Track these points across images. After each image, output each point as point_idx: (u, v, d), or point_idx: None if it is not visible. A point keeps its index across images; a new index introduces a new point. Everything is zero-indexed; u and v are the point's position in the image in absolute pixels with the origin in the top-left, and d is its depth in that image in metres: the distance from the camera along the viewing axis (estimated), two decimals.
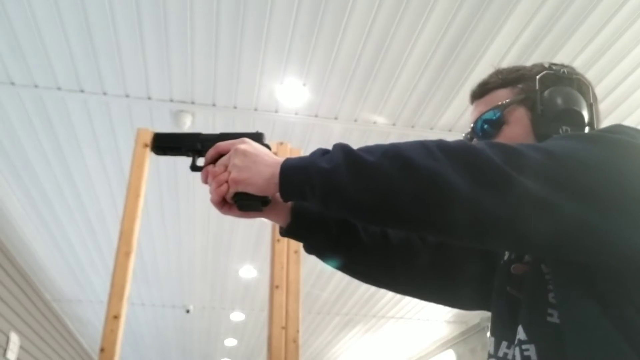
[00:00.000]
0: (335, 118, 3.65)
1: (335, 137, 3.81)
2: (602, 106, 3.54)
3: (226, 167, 0.97)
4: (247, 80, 3.32)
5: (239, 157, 0.96)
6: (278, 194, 0.94)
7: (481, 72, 3.23)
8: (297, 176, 0.90)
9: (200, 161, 1.08)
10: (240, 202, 0.99)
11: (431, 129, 3.76)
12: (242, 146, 0.97)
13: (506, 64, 3.35)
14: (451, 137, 3.77)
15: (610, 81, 3.31)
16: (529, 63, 3.39)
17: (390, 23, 2.95)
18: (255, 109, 3.54)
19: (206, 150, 1.04)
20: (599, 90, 3.43)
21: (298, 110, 3.57)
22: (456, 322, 7.21)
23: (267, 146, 1.02)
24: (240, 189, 0.95)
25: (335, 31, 2.99)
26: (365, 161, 0.84)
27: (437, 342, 7.96)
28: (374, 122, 3.71)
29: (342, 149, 0.87)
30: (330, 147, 0.90)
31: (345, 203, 0.86)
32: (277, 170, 0.92)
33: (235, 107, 3.52)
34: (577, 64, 3.18)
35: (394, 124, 3.73)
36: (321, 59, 3.18)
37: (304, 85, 3.37)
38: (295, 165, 0.91)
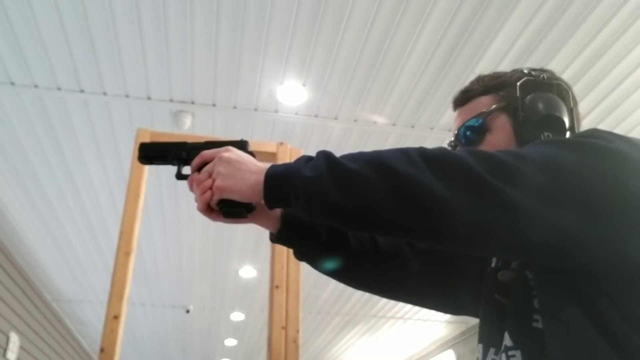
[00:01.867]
0: (335, 118, 3.66)
1: (335, 137, 3.81)
2: (600, 108, 3.57)
3: (210, 174, 0.99)
4: (247, 80, 3.32)
5: (223, 165, 0.97)
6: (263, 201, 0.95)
7: (481, 72, 3.24)
8: (281, 183, 0.91)
9: (186, 170, 1.09)
10: (225, 209, 1.01)
11: (431, 128, 3.77)
12: (226, 154, 0.99)
13: (505, 64, 3.37)
14: (450, 136, 3.77)
15: (609, 83, 3.31)
16: (528, 64, 3.40)
17: (390, 23, 2.95)
18: (255, 109, 3.54)
19: (192, 159, 1.06)
20: (597, 91, 3.47)
21: (298, 110, 3.57)
22: (456, 322, 7.21)
23: (252, 154, 1.03)
24: (225, 196, 0.97)
25: (335, 31, 2.99)
26: (348, 169, 0.85)
27: (437, 342, 7.96)
28: (374, 122, 3.71)
29: (325, 157, 0.89)
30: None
31: (328, 210, 0.87)
32: (262, 177, 0.93)
33: (235, 107, 3.52)
34: (576, 66, 3.18)
35: (394, 124, 3.73)
36: (321, 59, 3.18)
37: (304, 85, 3.37)
38: (279, 172, 0.92)
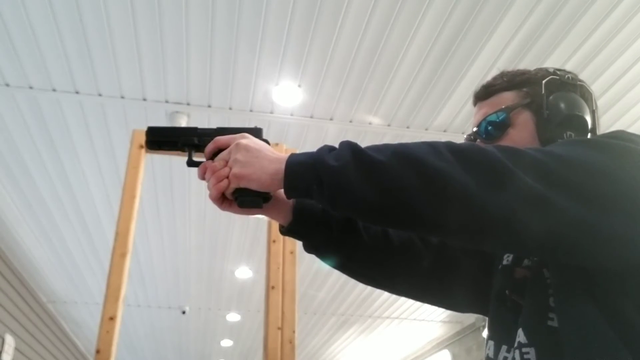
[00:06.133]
0: (331, 119, 3.66)
1: (331, 138, 3.81)
2: (598, 105, 3.58)
3: (226, 162, 0.94)
4: (243, 81, 3.32)
5: (241, 152, 0.92)
6: (279, 191, 0.92)
7: (476, 73, 3.26)
8: (304, 173, 0.87)
9: (197, 156, 1.04)
10: (241, 199, 0.95)
11: (426, 129, 3.77)
12: (244, 141, 0.94)
13: (500, 64, 3.37)
14: (446, 137, 3.78)
15: (604, 81, 3.33)
16: (524, 62, 3.39)
17: (385, 24, 2.96)
18: (251, 110, 3.54)
19: (203, 145, 1.01)
20: (593, 89, 3.46)
21: (293, 111, 3.57)
22: (451, 322, 7.22)
23: (267, 141, 0.99)
24: (242, 184, 0.92)
25: (330, 32, 3.00)
26: (375, 160, 0.83)
27: (433, 342, 7.98)
28: (369, 123, 3.71)
29: (351, 147, 0.86)
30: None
31: (353, 202, 0.85)
32: (282, 166, 0.89)
33: (230, 108, 3.52)
34: (571, 64, 3.19)
35: (389, 125, 3.74)
36: (316, 60, 3.18)
37: (299, 86, 3.37)
38: (301, 161, 0.88)
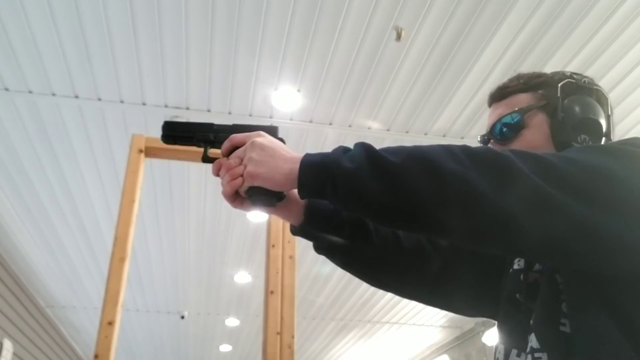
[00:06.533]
0: (330, 124, 3.66)
1: (330, 143, 3.81)
2: None
3: (241, 160, 0.94)
4: (242, 85, 3.32)
5: (256, 151, 0.92)
6: (292, 191, 0.92)
7: (476, 77, 3.27)
8: (318, 174, 0.87)
9: (212, 152, 1.03)
10: (254, 197, 0.95)
11: (425, 134, 3.77)
12: (259, 139, 0.94)
13: (500, 68, 3.36)
14: (445, 142, 3.78)
15: (606, 84, 3.27)
16: (523, 67, 3.39)
17: (384, 29, 2.96)
18: (250, 115, 3.54)
19: (219, 142, 1.01)
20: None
21: (293, 115, 3.57)
22: (451, 327, 7.21)
23: (282, 140, 0.98)
24: (256, 183, 0.92)
25: (329, 37, 3.00)
26: (390, 163, 0.83)
27: (432, 347, 7.96)
28: (369, 128, 3.71)
29: (366, 149, 0.86)
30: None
31: (367, 204, 0.84)
32: (296, 166, 0.89)
33: (230, 113, 3.52)
34: (572, 67, 3.17)
35: (388, 130, 3.74)
36: (316, 64, 3.18)
37: (299, 91, 3.37)
38: (316, 162, 0.88)
